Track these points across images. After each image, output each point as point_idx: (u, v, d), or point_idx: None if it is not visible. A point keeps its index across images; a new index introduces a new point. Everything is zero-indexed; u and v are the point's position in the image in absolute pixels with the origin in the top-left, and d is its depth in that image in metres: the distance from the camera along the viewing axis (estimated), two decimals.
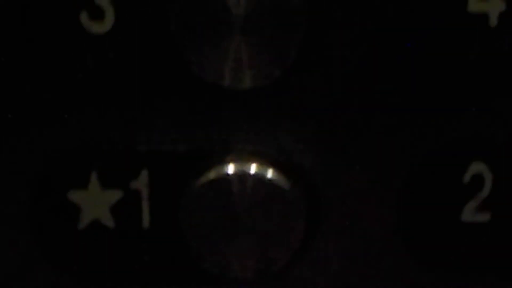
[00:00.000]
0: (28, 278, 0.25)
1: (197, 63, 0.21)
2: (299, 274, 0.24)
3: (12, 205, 0.24)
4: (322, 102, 0.23)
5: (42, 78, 0.22)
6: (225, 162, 0.23)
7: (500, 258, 0.25)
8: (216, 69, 0.21)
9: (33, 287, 0.25)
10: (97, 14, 0.21)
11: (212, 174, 0.23)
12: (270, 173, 0.23)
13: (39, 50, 0.22)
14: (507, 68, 0.22)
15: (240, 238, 0.24)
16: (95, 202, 0.23)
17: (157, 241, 0.24)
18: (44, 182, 0.24)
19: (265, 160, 0.23)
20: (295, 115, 0.23)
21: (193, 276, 0.25)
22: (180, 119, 0.22)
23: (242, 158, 0.23)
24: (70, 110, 0.23)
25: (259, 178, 0.23)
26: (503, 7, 0.21)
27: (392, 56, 0.22)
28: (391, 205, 0.24)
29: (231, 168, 0.23)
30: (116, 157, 0.23)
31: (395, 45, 0.22)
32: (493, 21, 0.22)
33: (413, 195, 0.24)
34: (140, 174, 0.23)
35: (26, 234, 0.24)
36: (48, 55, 0.22)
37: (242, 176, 0.23)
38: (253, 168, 0.23)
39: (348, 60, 0.23)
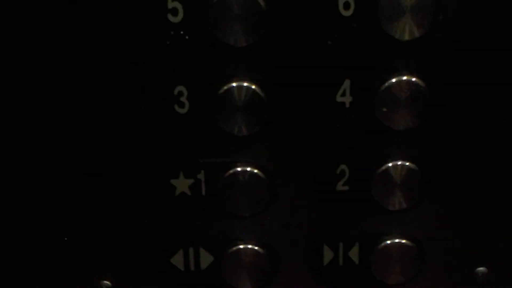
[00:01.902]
0: (145, 220, 0.27)
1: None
2: (267, 214, 0.27)
3: (143, 188, 0.27)
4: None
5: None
6: (235, 167, 0.26)
7: (355, 203, 0.27)
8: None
9: (148, 226, 0.27)
10: None
11: (229, 171, 0.26)
12: (255, 170, 0.26)
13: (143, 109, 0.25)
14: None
15: (241, 198, 0.27)
16: (181, 184, 0.26)
17: (210, 201, 0.27)
18: (160, 174, 0.26)
19: (251, 165, 0.26)
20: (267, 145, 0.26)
21: (218, 215, 0.27)
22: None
23: (241, 165, 0.26)
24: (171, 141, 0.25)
25: (249, 172, 0.26)
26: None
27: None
28: (304, 181, 0.27)
29: (239, 169, 0.26)
30: (191, 165, 0.26)
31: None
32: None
33: (315, 177, 0.27)
34: (200, 172, 0.26)
35: (149, 199, 0.27)
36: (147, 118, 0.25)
37: (242, 171, 0.26)
38: (246, 168, 0.26)
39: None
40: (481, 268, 0.28)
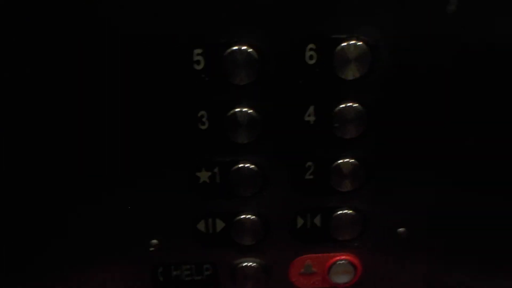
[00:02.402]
0: (181, 199, 0.28)
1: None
2: (261, 195, 0.28)
3: (180, 179, 0.28)
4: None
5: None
6: (239, 163, 0.27)
7: (318, 187, 0.28)
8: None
9: (183, 203, 0.28)
10: None
11: (235, 167, 0.27)
12: (252, 166, 0.27)
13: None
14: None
15: (243, 184, 0.28)
16: (203, 175, 0.28)
17: (223, 186, 0.28)
18: (189, 169, 0.27)
19: (250, 162, 0.27)
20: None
21: (228, 196, 0.28)
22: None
23: (243, 162, 0.27)
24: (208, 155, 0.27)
25: (248, 167, 0.27)
26: None
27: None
28: (284, 173, 0.28)
29: (241, 165, 0.27)
30: (209, 162, 0.27)
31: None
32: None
33: (291, 170, 0.28)
34: (216, 167, 0.28)
35: (184, 186, 0.28)
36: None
37: (243, 166, 0.27)
38: (246, 165, 0.27)
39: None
40: (401, 229, 0.29)
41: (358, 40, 0.25)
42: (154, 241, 0.29)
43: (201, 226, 0.29)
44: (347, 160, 0.28)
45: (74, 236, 0.28)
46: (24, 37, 0.24)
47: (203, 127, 0.27)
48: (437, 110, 0.27)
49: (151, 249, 0.29)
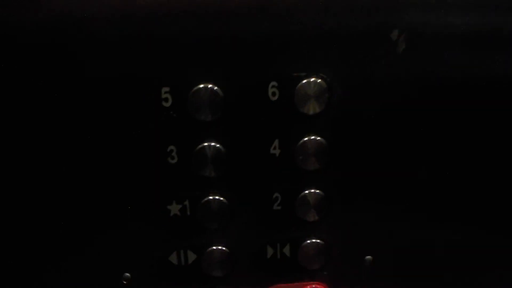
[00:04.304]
0: (153, 233, 0.28)
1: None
2: (231, 226, 0.29)
3: (153, 213, 0.28)
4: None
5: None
6: (208, 196, 0.28)
7: (286, 217, 0.28)
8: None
9: (155, 236, 0.28)
10: None
11: (205, 199, 0.28)
12: (220, 198, 0.28)
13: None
14: None
15: (212, 216, 0.28)
16: (174, 208, 0.28)
17: (193, 219, 0.28)
18: (160, 203, 0.28)
19: (218, 194, 0.28)
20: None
21: (198, 228, 0.28)
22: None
23: (212, 195, 0.28)
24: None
25: (217, 200, 0.28)
26: None
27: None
28: (253, 204, 0.28)
29: (210, 197, 0.27)
30: (180, 196, 0.28)
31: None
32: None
33: (259, 201, 0.28)
34: (186, 200, 0.28)
35: (156, 219, 0.28)
36: None
37: (212, 199, 0.28)
38: (215, 197, 0.28)
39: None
40: (368, 257, 0.30)
41: (318, 77, 0.26)
42: (127, 275, 0.29)
43: (173, 258, 0.29)
44: (313, 190, 0.28)
45: (49, 274, 0.29)
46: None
47: (172, 162, 0.27)
48: (391, 145, 0.28)
49: (124, 282, 0.29)
